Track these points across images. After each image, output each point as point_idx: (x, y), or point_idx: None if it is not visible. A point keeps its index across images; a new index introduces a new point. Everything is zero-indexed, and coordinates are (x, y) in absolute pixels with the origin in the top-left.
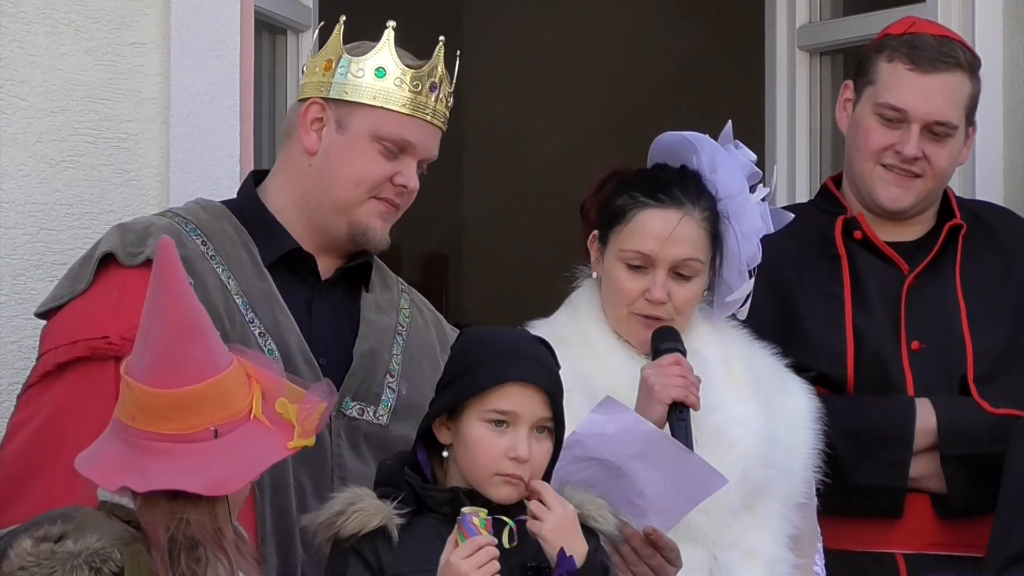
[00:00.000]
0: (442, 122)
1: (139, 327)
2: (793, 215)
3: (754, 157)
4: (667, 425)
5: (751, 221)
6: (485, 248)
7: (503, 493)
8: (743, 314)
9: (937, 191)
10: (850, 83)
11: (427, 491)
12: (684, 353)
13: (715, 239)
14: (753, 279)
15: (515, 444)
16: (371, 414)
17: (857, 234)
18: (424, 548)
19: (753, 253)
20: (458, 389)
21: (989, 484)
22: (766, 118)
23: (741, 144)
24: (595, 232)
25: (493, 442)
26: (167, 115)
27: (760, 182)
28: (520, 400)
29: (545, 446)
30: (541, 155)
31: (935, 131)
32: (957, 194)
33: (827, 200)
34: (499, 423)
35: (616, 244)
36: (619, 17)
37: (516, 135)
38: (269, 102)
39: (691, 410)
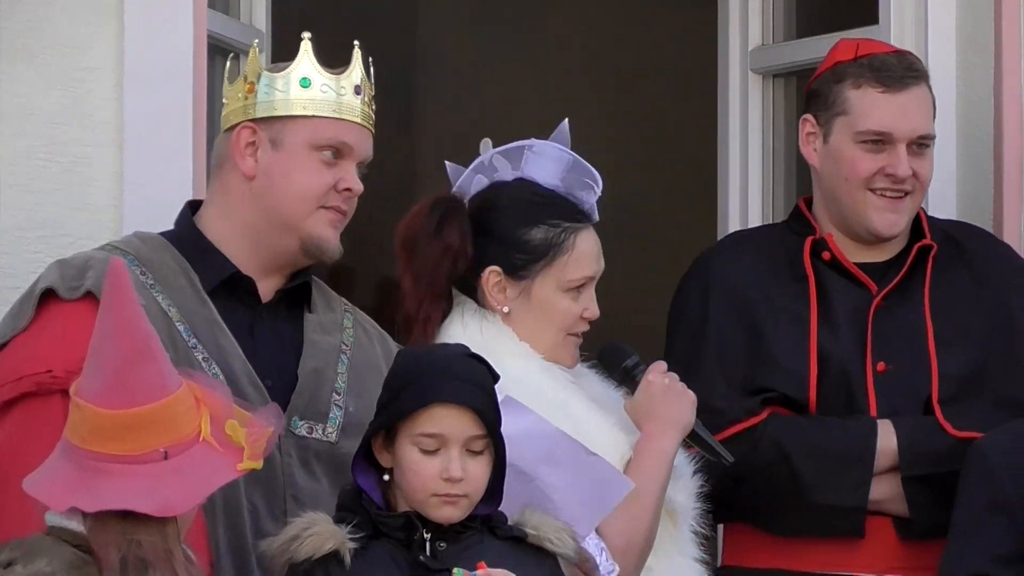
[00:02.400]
0: (370, 124)
1: (89, 349)
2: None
3: (567, 146)
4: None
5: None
6: None
7: (444, 513)
8: None
9: (919, 204)
10: (810, 117)
11: (381, 517)
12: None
13: None
14: None
15: (447, 465)
16: (320, 432)
17: (825, 255)
18: (377, 573)
19: None
20: (389, 412)
21: (950, 506)
22: (718, 140)
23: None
24: (496, 269)
25: (425, 465)
26: (121, 139)
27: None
28: (447, 422)
29: (481, 463)
30: None
31: (919, 145)
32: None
33: (798, 221)
34: (429, 445)
35: (559, 275)
36: (575, 32)
37: (470, 156)
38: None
39: None
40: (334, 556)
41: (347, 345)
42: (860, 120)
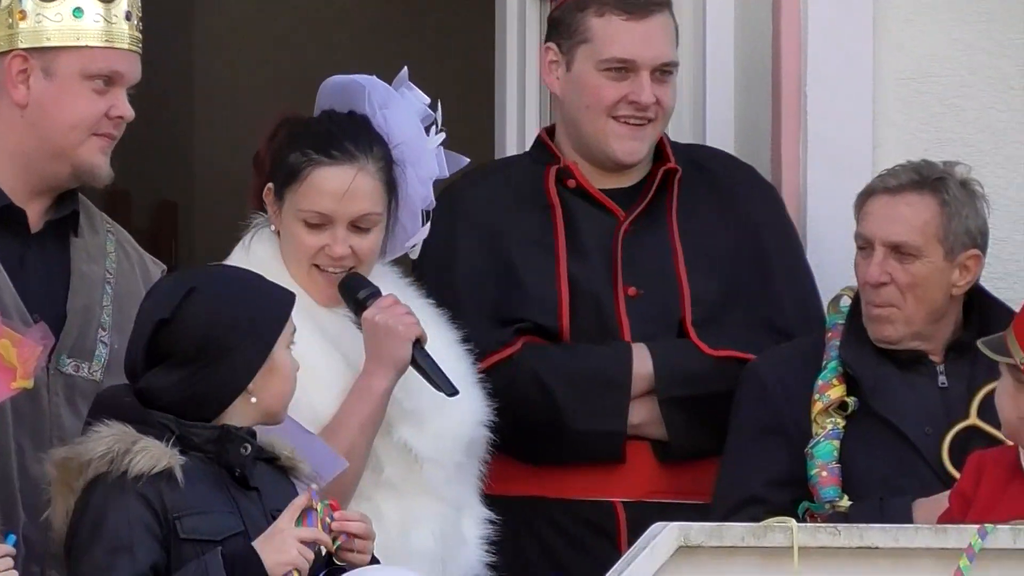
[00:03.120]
0: (139, 47)
1: None
2: (467, 159)
3: (427, 100)
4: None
5: (427, 165)
6: (217, 193)
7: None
8: (415, 253)
9: (661, 132)
10: (552, 45)
11: (194, 429)
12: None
13: (390, 187)
14: (429, 223)
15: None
16: (86, 370)
17: (570, 182)
18: (199, 488)
19: (427, 197)
20: (266, 336)
21: (709, 427)
22: (496, 63)
23: (414, 87)
24: (270, 186)
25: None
26: None
27: (433, 124)
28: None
29: None
30: (274, 95)
31: (662, 72)
32: (691, 141)
33: (540, 151)
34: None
35: (293, 203)
36: None
37: (248, 75)
38: None
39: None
40: (164, 473)
41: (111, 273)
42: (603, 48)
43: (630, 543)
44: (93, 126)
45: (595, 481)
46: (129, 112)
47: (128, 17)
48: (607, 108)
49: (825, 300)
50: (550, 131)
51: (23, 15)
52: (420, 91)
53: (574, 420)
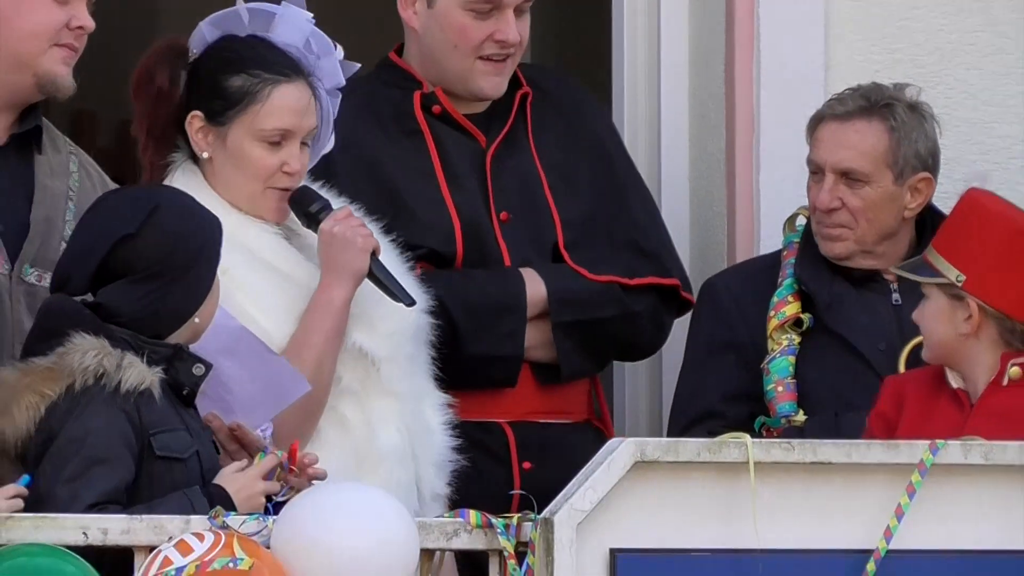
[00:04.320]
0: None
1: None
2: (359, 64)
3: (311, 16)
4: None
5: (332, 77)
6: None
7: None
8: None
9: (517, 64)
10: None
11: (155, 347)
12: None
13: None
14: (333, 135)
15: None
16: (48, 281)
17: (436, 108)
18: (164, 405)
19: (335, 109)
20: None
21: (591, 350)
22: None
23: (292, 5)
24: (197, 114)
25: None
26: None
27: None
28: None
29: None
30: None
31: (521, 9)
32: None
33: (395, 74)
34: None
35: (252, 124)
36: None
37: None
38: None
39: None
40: (144, 390)
41: (73, 191)
42: None
43: (520, 461)
44: (54, 36)
45: (482, 403)
46: (90, 23)
47: None
48: (474, 48)
49: (781, 219)
50: (398, 52)
51: None
52: (303, 9)
53: (472, 345)
